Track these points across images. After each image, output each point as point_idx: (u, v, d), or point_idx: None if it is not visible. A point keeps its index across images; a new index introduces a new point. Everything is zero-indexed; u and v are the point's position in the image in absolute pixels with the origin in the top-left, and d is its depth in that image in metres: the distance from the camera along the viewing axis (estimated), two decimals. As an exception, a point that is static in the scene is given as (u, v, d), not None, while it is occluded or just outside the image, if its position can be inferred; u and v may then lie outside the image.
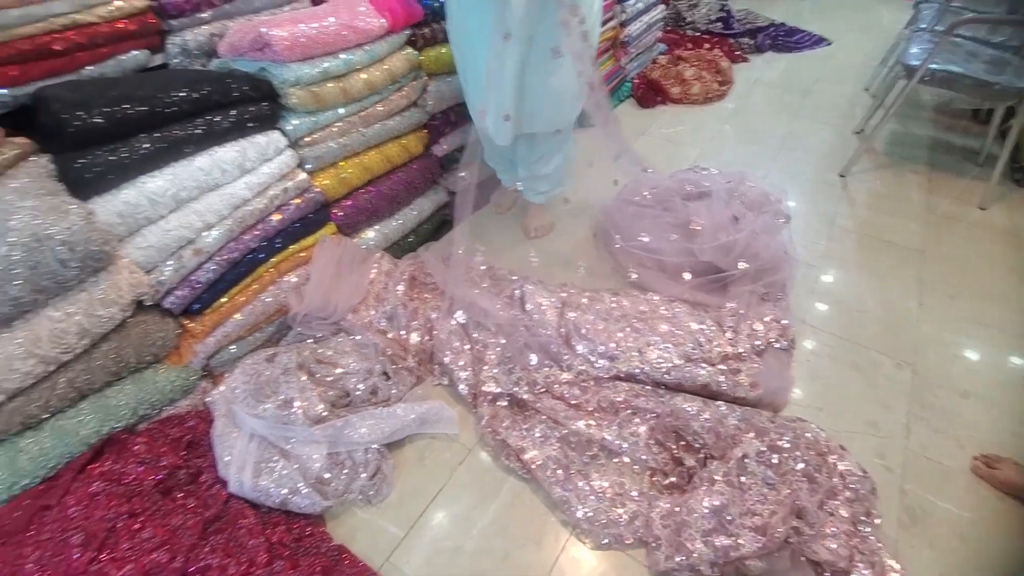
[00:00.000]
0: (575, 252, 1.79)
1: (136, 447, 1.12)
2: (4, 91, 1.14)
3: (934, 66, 1.86)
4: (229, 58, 1.37)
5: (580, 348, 1.36)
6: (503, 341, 1.35)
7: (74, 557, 0.95)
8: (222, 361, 1.32)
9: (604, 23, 2.41)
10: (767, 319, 1.46)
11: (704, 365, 1.33)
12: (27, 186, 0.99)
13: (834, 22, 3.70)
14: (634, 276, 1.61)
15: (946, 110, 2.62)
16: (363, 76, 1.43)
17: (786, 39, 3.30)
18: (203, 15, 1.39)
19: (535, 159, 1.70)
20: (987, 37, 2.12)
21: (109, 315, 1.08)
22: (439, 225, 1.87)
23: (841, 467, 1.15)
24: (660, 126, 2.49)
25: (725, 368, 1.34)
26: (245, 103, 1.26)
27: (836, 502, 1.09)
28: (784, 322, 1.46)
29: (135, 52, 1.30)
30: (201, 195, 1.20)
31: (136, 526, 1.01)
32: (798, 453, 1.13)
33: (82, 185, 1.06)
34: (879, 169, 2.21)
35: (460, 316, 1.41)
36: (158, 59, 1.37)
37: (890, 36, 3.14)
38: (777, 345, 1.42)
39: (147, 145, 1.11)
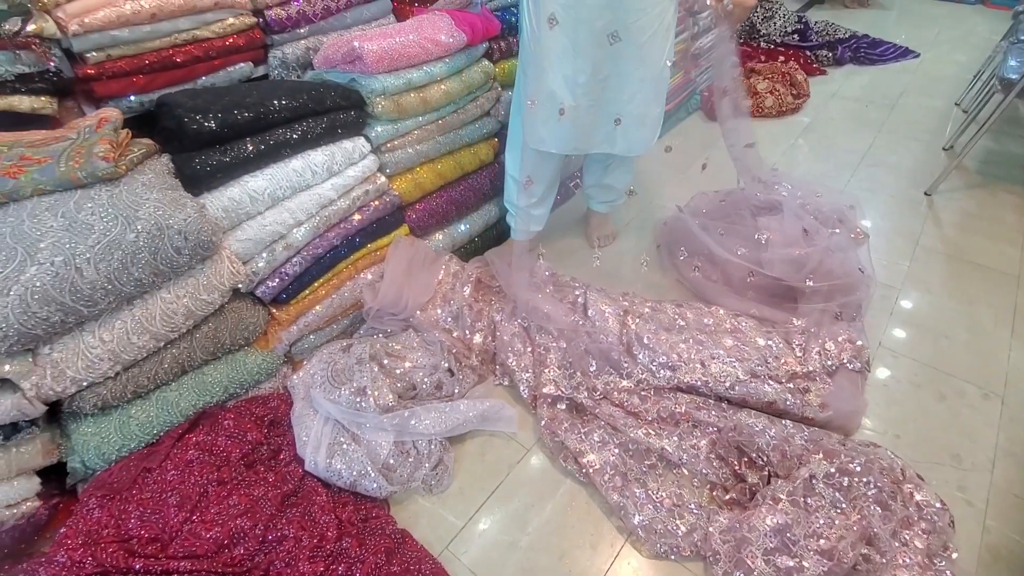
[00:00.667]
0: (638, 262, 1.79)
1: (226, 422, 1.23)
2: (132, 98, 1.30)
3: (1037, 79, 1.74)
4: (323, 70, 1.49)
5: (641, 357, 1.36)
6: (564, 345, 1.38)
7: (171, 516, 1.05)
8: (302, 349, 1.41)
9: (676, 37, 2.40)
10: (840, 339, 1.41)
11: (771, 382, 1.31)
12: (152, 181, 1.12)
13: (923, 33, 3.51)
14: (696, 272, 1.60)
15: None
16: (442, 87, 1.50)
17: (868, 51, 3.16)
18: (301, 31, 1.51)
19: (605, 167, 1.73)
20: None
21: (211, 300, 1.19)
22: (505, 230, 1.92)
23: (918, 497, 1.09)
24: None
25: (793, 387, 1.30)
26: (336, 111, 1.37)
27: (910, 532, 1.04)
28: (859, 343, 1.40)
29: (241, 64, 1.43)
30: (294, 194, 1.30)
31: (224, 493, 1.10)
32: (870, 478, 1.08)
33: (195, 182, 1.18)
34: (970, 188, 2.08)
35: (523, 319, 1.45)
36: (260, 70, 1.51)
37: (985, 48, 2.95)
38: (850, 366, 1.37)
39: (251, 148, 1.23)
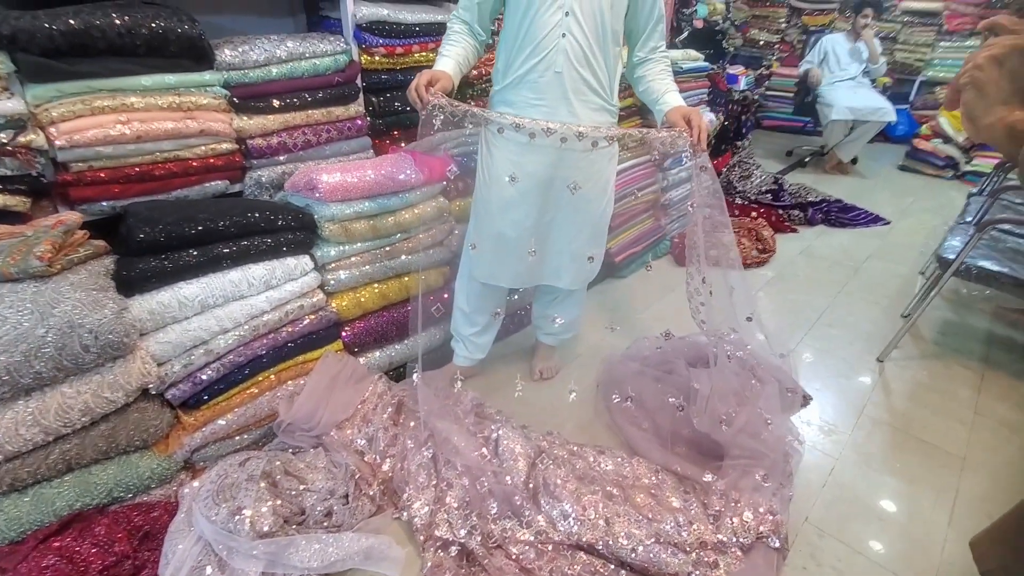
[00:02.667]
0: (575, 400, 1.77)
1: (98, 528, 1.18)
2: (105, 204, 1.42)
3: (971, 261, 1.80)
4: (289, 192, 1.63)
5: (545, 506, 1.30)
6: (467, 483, 1.33)
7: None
8: (205, 456, 1.39)
9: (645, 188, 2.60)
10: (760, 509, 1.33)
11: (677, 551, 1.22)
12: (83, 280, 1.19)
13: (899, 201, 3.71)
14: (616, 399, 1.62)
15: (1007, 303, 2.45)
16: (392, 218, 1.63)
17: (840, 215, 3.33)
18: (280, 158, 1.69)
19: (551, 299, 1.79)
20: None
21: (114, 398, 1.20)
22: (447, 354, 1.94)
23: None
24: (692, 285, 2.52)
25: (699, 558, 1.21)
26: (286, 231, 1.48)
27: None
28: (778, 516, 1.32)
29: (217, 182, 1.59)
30: (225, 303, 1.36)
31: (64, 611, 1.03)
32: None
33: (130, 285, 1.26)
34: (924, 359, 2.06)
35: (429, 448, 1.42)
36: (236, 187, 1.66)
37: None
38: (768, 542, 1.28)
39: (191, 258, 1.32)
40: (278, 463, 1.34)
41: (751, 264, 2.68)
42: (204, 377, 1.34)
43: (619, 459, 1.48)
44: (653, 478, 1.42)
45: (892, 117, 3.99)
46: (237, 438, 1.44)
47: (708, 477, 1.41)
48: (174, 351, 1.29)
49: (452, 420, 1.49)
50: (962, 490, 1.49)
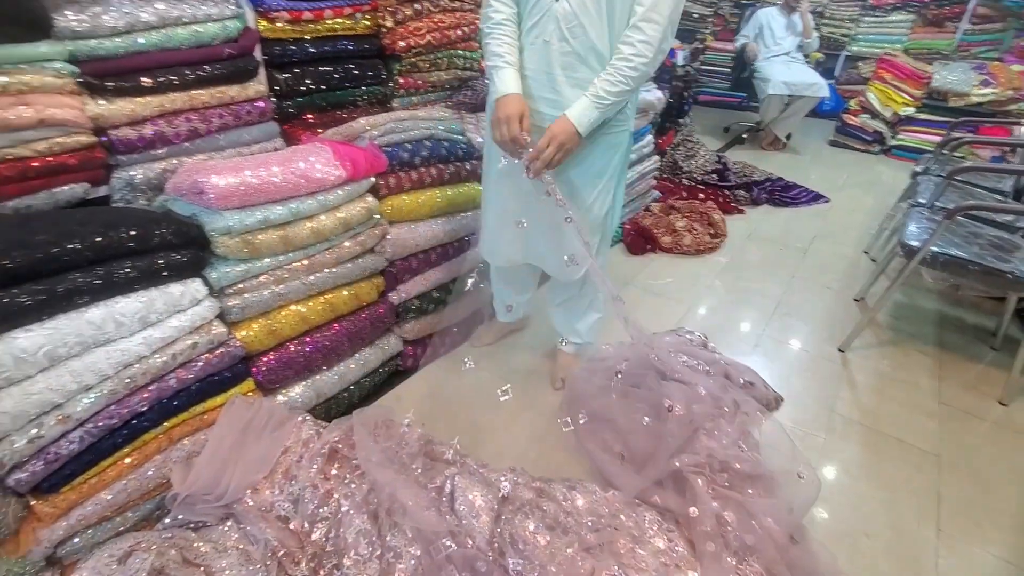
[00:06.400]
0: (540, 423, 1.58)
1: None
2: (-98, 225, 1.05)
3: (936, 249, 1.74)
4: (171, 197, 1.30)
5: (513, 567, 1.10)
6: (418, 553, 1.10)
7: None
8: (75, 548, 1.08)
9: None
10: (751, 542, 1.20)
11: (667, 607, 1.06)
12: None
13: (833, 177, 3.75)
14: (582, 419, 1.50)
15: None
16: (309, 224, 1.33)
17: (783, 194, 3.30)
18: (158, 151, 1.34)
19: (560, 301, 1.66)
20: (991, 216, 2.03)
21: (-78, 500, 0.88)
22: (388, 376, 1.69)
23: None
24: (648, 276, 2.38)
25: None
26: (166, 249, 1.15)
27: None
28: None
29: (73, 185, 1.23)
30: (83, 352, 1.04)
31: None
32: None
33: (-65, 340, 0.92)
34: (883, 346, 2.03)
35: (372, 504, 1.17)
36: (102, 190, 1.31)
37: (889, 195, 3.12)
38: None
39: (26, 298, 0.98)
40: (173, 551, 1.05)
41: (704, 250, 2.57)
42: (62, 451, 1.02)
43: (593, 495, 1.30)
44: (632, 515, 1.25)
45: (826, 92, 4.01)
46: (119, 519, 1.13)
47: (694, 511, 1.26)
48: (13, 423, 0.96)
49: (397, 468, 1.25)
50: (943, 493, 1.43)
